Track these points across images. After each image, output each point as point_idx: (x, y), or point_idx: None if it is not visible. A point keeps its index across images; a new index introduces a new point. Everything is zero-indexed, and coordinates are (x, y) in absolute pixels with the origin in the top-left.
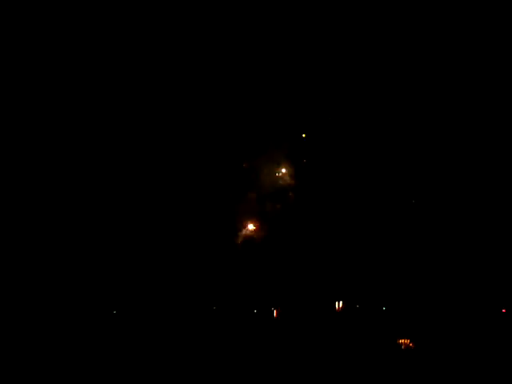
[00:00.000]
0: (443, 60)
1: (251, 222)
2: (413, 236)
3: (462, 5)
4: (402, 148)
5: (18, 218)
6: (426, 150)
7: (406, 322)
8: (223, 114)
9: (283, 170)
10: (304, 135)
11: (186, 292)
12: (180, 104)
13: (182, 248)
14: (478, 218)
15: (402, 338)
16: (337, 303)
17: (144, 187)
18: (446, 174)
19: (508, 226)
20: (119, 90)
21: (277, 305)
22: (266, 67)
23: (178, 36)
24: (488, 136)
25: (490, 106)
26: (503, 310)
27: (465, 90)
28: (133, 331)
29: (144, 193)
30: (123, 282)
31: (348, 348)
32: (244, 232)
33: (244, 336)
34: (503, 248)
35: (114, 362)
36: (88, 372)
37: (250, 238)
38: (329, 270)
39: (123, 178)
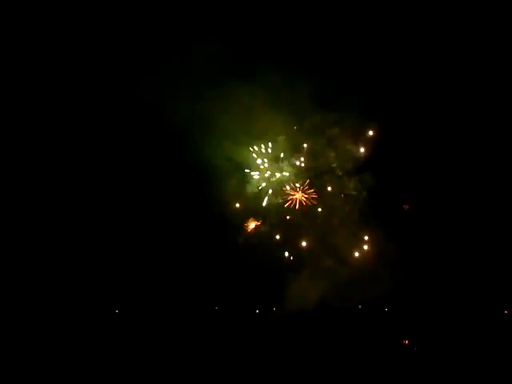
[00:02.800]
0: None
1: (253, 222)
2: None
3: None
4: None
5: (19, 219)
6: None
7: (407, 322)
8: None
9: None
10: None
11: (190, 292)
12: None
13: (187, 248)
14: (478, 222)
15: (403, 339)
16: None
17: (148, 195)
18: (439, 177)
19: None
20: (117, 91)
21: (278, 305)
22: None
23: (177, 38)
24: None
25: None
26: (506, 311)
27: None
28: (136, 330)
29: (148, 198)
30: (128, 282)
31: (349, 348)
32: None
33: (246, 335)
34: (504, 251)
35: (117, 362)
36: (90, 371)
37: (251, 239)
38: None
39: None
